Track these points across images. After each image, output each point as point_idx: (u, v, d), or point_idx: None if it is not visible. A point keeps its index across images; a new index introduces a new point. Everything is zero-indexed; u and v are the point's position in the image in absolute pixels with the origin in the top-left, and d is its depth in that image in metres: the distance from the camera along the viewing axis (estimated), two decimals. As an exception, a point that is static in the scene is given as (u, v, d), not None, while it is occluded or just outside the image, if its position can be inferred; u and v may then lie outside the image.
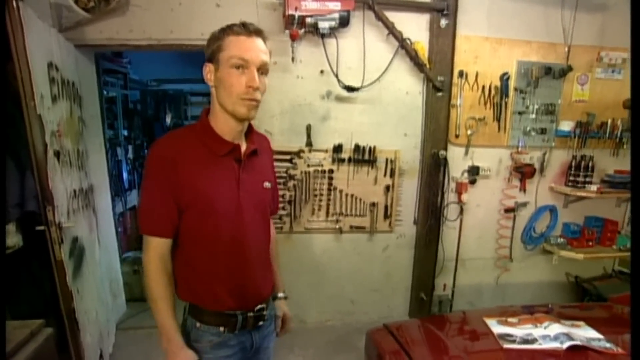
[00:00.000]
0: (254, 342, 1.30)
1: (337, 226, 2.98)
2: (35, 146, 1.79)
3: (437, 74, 2.81)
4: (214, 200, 1.15)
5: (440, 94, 2.84)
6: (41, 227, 1.84)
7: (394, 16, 2.70)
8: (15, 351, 1.43)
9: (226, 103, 1.13)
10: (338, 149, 2.86)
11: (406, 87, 2.88)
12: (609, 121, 3.04)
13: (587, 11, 2.91)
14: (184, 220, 1.16)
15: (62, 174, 2.02)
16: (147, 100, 5.17)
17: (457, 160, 3.02)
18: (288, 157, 2.82)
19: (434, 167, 2.95)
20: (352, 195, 2.95)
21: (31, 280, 2.16)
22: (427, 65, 2.80)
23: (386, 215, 3.03)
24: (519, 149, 3.03)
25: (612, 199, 3.23)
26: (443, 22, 2.75)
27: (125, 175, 4.16)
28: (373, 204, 2.99)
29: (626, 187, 2.98)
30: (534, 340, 1.58)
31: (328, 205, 2.94)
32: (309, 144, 2.84)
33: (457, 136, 2.96)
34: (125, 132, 4.36)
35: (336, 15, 2.53)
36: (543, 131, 3.04)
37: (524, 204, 3.16)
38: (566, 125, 3.03)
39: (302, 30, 2.57)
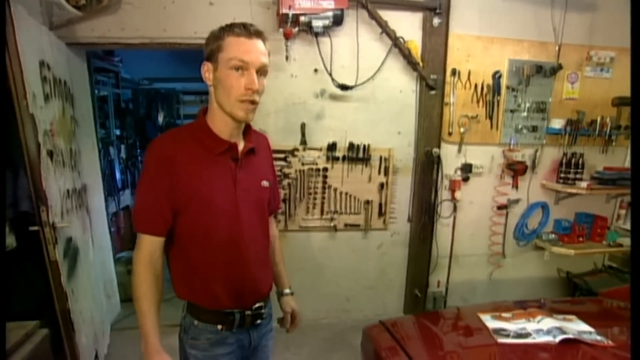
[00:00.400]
0: (252, 340, 1.30)
1: (332, 224, 2.99)
2: (28, 146, 1.77)
3: (430, 73, 2.83)
4: (211, 198, 1.15)
5: (433, 92, 2.86)
6: (35, 228, 1.82)
7: (387, 15, 2.72)
8: (11, 352, 1.42)
9: (224, 104, 1.13)
10: (332, 147, 2.87)
11: (400, 86, 2.90)
12: (598, 119, 3.09)
13: (576, 11, 2.95)
14: (181, 218, 1.16)
15: (56, 173, 2.00)
16: (139, 99, 5.13)
17: (450, 158, 3.05)
18: (282, 155, 2.82)
19: (427, 165, 2.98)
20: (346, 193, 2.97)
21: (25, 281, 2.14)
22: (420, 64, 2.82)
23: (380, 213, 3.04)
24: (511, 146, 3.07)
25: (601, 195, 3.30)
26: (436, 20, 2.77)
27: (118, 174, 4.12)
28: (367, 202, 3.01)
29: (615, 184, 3.04)
30: (527, 335, 1.60)
31: (323, 203, 2.95)
32: (304, 142, 2.85)
33: (450, 134, 2.98)
34: (118, 132, 4.32)
35: (330, 13, 2.53)
36: (534, 129, 3.08)
37: (516, 201, 3.20)
38: (557, 123, 3.07)
39: (296, 28, 2.57)
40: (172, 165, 1.11)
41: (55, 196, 1.96)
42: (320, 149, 2.87)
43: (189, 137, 1.17)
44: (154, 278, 1.15)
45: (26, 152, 1.78)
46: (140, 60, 4.91)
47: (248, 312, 1.25)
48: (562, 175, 3.11)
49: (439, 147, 2.95)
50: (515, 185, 3.17)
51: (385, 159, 2.96)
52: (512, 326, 1.68)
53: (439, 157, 2.94)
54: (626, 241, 3.21)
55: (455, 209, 3.12)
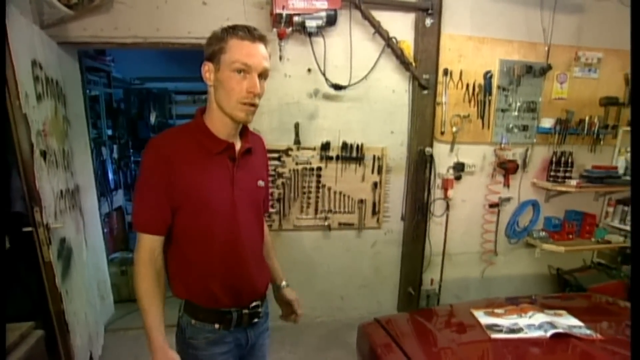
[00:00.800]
0: (249, 338, 1.31)
1: (326, 223, 3.01)
2: (21, 146, 1.75)
3: (422, 72, 2.86)
4: (209, 197, 1.16)
5: (425, 91, 2.89)
6: (29, 229, 1.81)
7: (380, 15, 2.74)
8: (6, 353, 1.41)
9: (225, 105, 1.13)
10: (326, 146, 2.89)
11: (392, 85, 2.92)
12: (587, 118, 3.15)
13: (564, 12, 3.00)
14: (179, 217, 1.16)
15: (49, 174, 1.99)
16: (130, 99, 5.10)
17: (443, 157, 3.08)
18: (276, 155, 2.83)
19: (420, 164, 3.01)
20: (340, 193, 2.98)
21: (18, 283, 2.11)
22: (413, 64, 2.84)
23: (374, 212, 3.07)
24: (502, 145, 3.11)
25: (590, 193, 3.36)
26: (428, 21, 2.80)
27: (110, 175, 4.09)
28: (361, 201, 3.03)
29: (603, 182, 3.10)
30: (519, 330, 1.63)
31: (317, 202, 2.97)
32: (297, 142, 2.86)
33: (442, 133, 3.02)
34: (110, 132, 4.29)
35: (323, 14, 2.54)
36: (525, 128, 3.13)
37: (508, 199, 3.25)
38: (547, 122, 3.13)
39: (290, 29, 2.58)
40: (170, 165, 1.11)
41: (49, 197, 1.95)
42: (314, 149, 2.89)
43: (187, 137, 1.17)
44: (155, 276, 1.16)
45: (19, 152, 1.77)
46: (131, 59, 4.89)
47: (245, 311, 1.26)
48: (552, 173, 3.17)
49: (431, 146, 2.98)
50: (507, 184, 3.22)
51: (378, 158, 2.98)
52: (504, 322, 1.71)
53: (431, 156, 2.97)
54: (614, 238, 3.28)
55: (447, 207, 3.16)
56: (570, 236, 3.27)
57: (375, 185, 3.01)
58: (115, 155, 4.32)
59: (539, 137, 3.17)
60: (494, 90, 3.02)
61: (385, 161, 2.99)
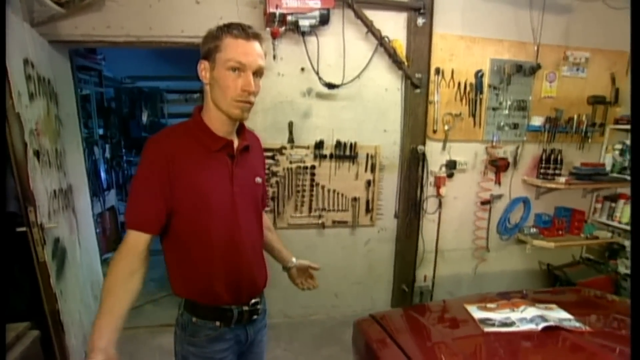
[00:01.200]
0: (248, 335, 1.33)
1: (320, 221, 3.03)
2: (15, 145, 1.74)
3: (414, 71, 2.89)
4: (209, 194, 1.16)
5: (418, 90, 2.92)
6: (23, 229, 1.80)
7: (373, 14, 2.76)
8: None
9: (220, 103, 1.15)
10: (320, 145, 2.90)
11: (385, 84, 2.95)
12: (575, 117, 3.21)
13: (553, 13, 3.05)
14: (180, 215, 1.16)
15: (42, 174, 1.98)
16: (122, 98, 5.06)
17: (435, 155, 3.12)
18: (270, 154, 2.83)
19: (413, 162, 3.04)
20: (334, 191, 3.00)
21: (12, 283, 2.10)
22: (405, 63, 2.87)
23: (368, 210, 3.09)
24: (494, 143, 3.16)
25: (578, 190, 3.43)
26: (420, 20, 2.82)
27: (103, 174, 4.06)
28: (355, 199, 3.05)
29: (591, 179, 3.17)
30: (512, 323, 1.67)
31: (311, 200, 2.98)
32: (291, 140, 2.87)
33: (434, 131, 3.05)
34: (101, 131, 4.26)
35: (316, 13, 2.55)
36: (515, 126, 3.18)
37: (499, 196, 3.30)
38: (537, 121, 3.18)
39: (283, 28, 2.58)
40: (170, 163, 1.12)
41: (43, 196, 1.94)
42: (308, 147, 2.90)
43: (186, 135, 1.18)
44: (127, 274, 1.10)
45: (12, 152, 1.75)
46: (122, 58, 4.84)
47: (245, 308, 1.28)
48: (542, 170, 3.22)
49: (424, 144, 3.01)
50: (498, 181, 3.27)
51: (371, 157, 3.00)
52: (497, 316, 1.74)
53: (424, 154, 3.01)
54: (602, 234, 3.36)
55: (440, 204, 3.20)
56: (560, 232, 3.34)
57: (368, 183, 3.04)
58: (107, 154, 4.29)
59: (529, 135, 3.22)
60: (485, 89, 3.06)
61: (378, 159, 3.02)
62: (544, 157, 3.21)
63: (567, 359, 1.54)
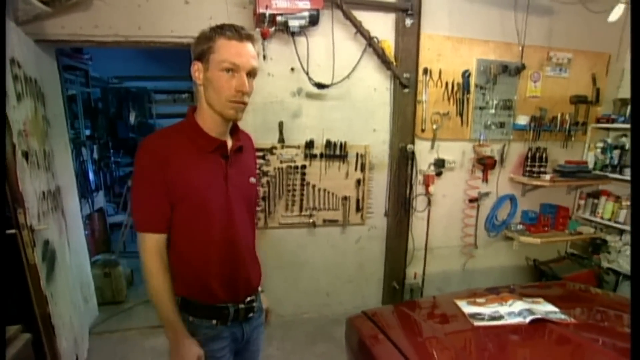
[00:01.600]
0: (244, 333, 1.34)
1: (311, 220, 3.04)
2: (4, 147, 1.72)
3: (403, 71, 2.93)
4: (204, 194, 1.17)
5: (406, 90, 2.96)
6: (12, 231, 1.77)
7: (362, 15, 2.79)
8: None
9: (214, 104, 1.15)
10: (310, 144, 2.92)
11: (374, 84, 2.98)
12: (559, 116, 3.30)
13: (537, 14, 3.12)
14: (176, 215, 1.17)
15: (31, 175, 1.95)
16: (109, 98, 4.99)
17: (424, 154, 3.17)
18: (261, 153, 2.84)
19: (402, 161, 3.08)
20: (324, 190, 3.03)
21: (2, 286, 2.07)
22: (394, 63, 2.91)
23: (358, 208, 3.12)
24: (481, 142, 3.22)
25: (563, 187, 3.52)
26: (408, 21, 2.86)
27: (91, 176, 4.01)
28: (345, 198, 3.08)
29: (575, 176, 3.26)
30: (500, 317, 1.71)
31: (301, 200, 3.00)
32: (282, 140, 2.88)
33: (423, 130, 3.09)
34: (88, 132, 4.20)
35: (306, 14, 2.57)
36: (502, 125, 3.25)
37: (487, 194, 3.37)
38: (522, 120, 3.25)
39: (273, 28, 2.60)
40: (165, 164, 1.13)
41: (32, 198, 1.91)
42: (298, 147, 2.92)
43: (180, 136, 1.18)
44: (167, 272, 1.17)
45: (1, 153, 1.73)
46: (109, 58, 4.78)
47: (241, 306, 1.29)
48: (528, 168, 3.29)
49: (413, 143, 3.06)
50: (485, 179, 3.33)
51: (361, 156, 3.03)
52: (486, 310, 1.79)
53: (413, 153, 3.05)
54: (585, 229, 3.45)
55: (429, 202, 3.24)
56: (546, 228, 3.42)
57: (358, 182, 3.07)
58: (95, 155, 4.24)
59: (515, 134, 3.30)
60: (472, 88, 3.12)
61: (368, 158, 3.05)
62: (529, 155, 3.28)
63: (554, 350, 1.59)
